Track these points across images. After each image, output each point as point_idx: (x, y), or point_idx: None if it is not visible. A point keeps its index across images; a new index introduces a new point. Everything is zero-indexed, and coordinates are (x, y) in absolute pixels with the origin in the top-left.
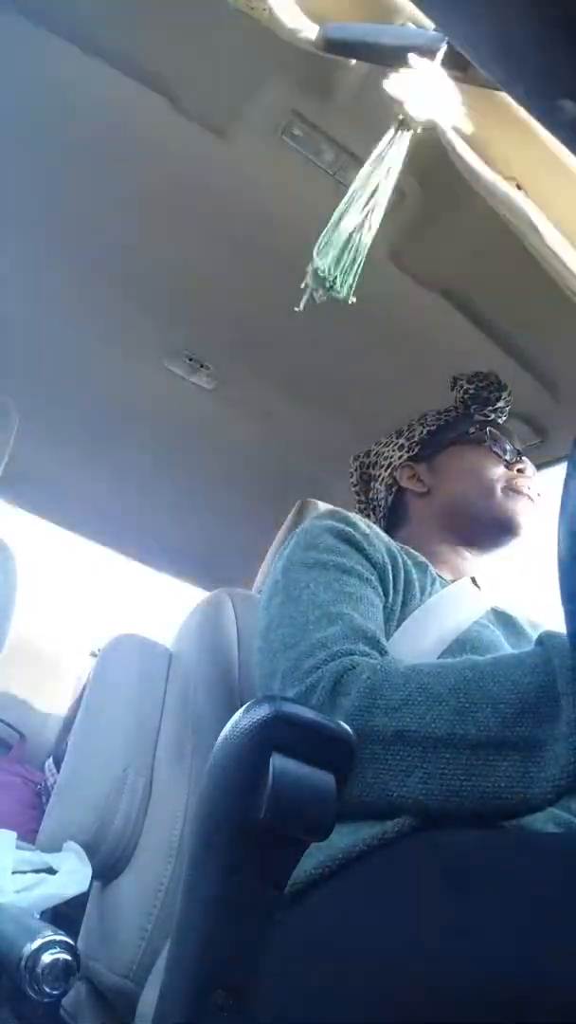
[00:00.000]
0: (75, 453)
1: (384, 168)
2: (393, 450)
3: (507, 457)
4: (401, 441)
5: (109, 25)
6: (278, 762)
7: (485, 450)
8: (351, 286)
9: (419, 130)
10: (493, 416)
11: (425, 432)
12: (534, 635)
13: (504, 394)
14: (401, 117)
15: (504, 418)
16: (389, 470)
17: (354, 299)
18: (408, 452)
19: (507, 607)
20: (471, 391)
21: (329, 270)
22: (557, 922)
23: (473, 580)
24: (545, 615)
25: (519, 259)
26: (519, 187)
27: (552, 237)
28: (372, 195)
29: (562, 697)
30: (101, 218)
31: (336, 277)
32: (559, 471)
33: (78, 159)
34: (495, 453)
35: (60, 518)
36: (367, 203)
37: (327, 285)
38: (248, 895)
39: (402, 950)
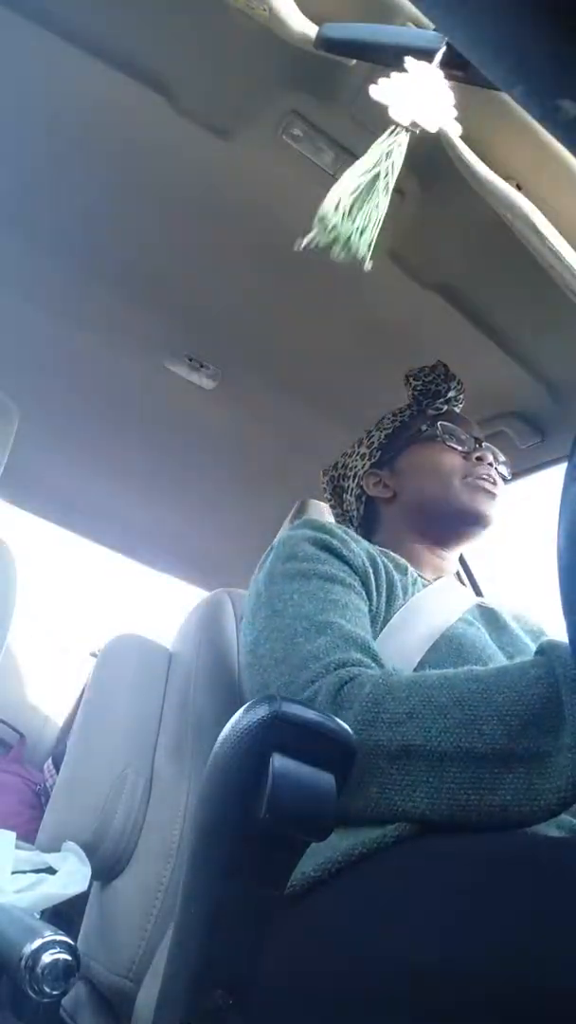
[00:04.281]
0: (75, 453)
1: (387, 158)
2: (356, 460)
3: (464, 448)
4: (363, 450)
5: (109, 25)
6: (278, 762)
7: (440, 445)
8: (370, 244)
9: (416, 131)
10: (446, 408)
11: (383, 437)
12: (517, 629)
13: (453, 383)
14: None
15: (459, 407)
16: (356, 480)
17: (369, 264)
18: (370, 460)
19: (490, 602)
20: (419, 387)
21: (340, 224)
22: (557, 926)
23: (458, 575)
24: (533, 610)
25: (519, 259)
26: (519, 187)
27: (552, 237)
28: (378, 172)
29: (566, 708)
30: (101, 218)
31: (352, 235)
32: (559, 471)
33: (77, 159)
34: (450, 447)
35: (60, 518)
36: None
37: (341, 243)
38: (247, 895)
39: (401, 952)
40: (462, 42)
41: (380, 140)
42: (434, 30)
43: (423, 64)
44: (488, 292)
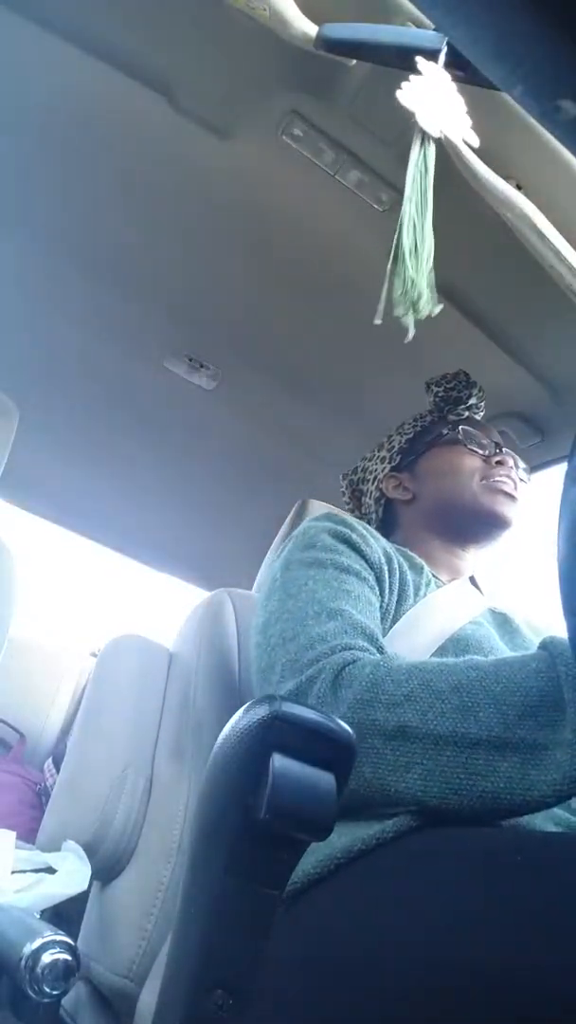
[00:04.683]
0: (75, 453)
1: (423, 183)
2: (376, 463)
3: (484, 452)
4: (383, 453)
5: (109, 25)
6: (278, 762)
7: (461, 448)
8: (431, 295)
9: (441, 139)
10: (467, 414)
11: (404, 441)
12: (529, 634)
13: (474, 391)
14: (420, 129)
15: (480, 414)
16: (375, 483)
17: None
18: (390, 463)
19: (504, 607)
20: (441, 393)
21: (413, 289)
22: (555, 922)
23: (472, 580)
24: (545, 616)
25: (519, 259)
26: (519, 187)
27: (552, 237)
28: (422, 210)
29: (568, 704)
30: (101, 218)
31: (421, 292)
32: (559, 471)
33: (77, 159)
34: (471, 450)
35: (60, 518)
36: (422, 221)
37: (416, 301)
38: (248, 895)
39: (400, 949)
40: (462, 42)
41: (412, 162)
42: (434, 30)
43: (432, 65)
44: (488, 292)
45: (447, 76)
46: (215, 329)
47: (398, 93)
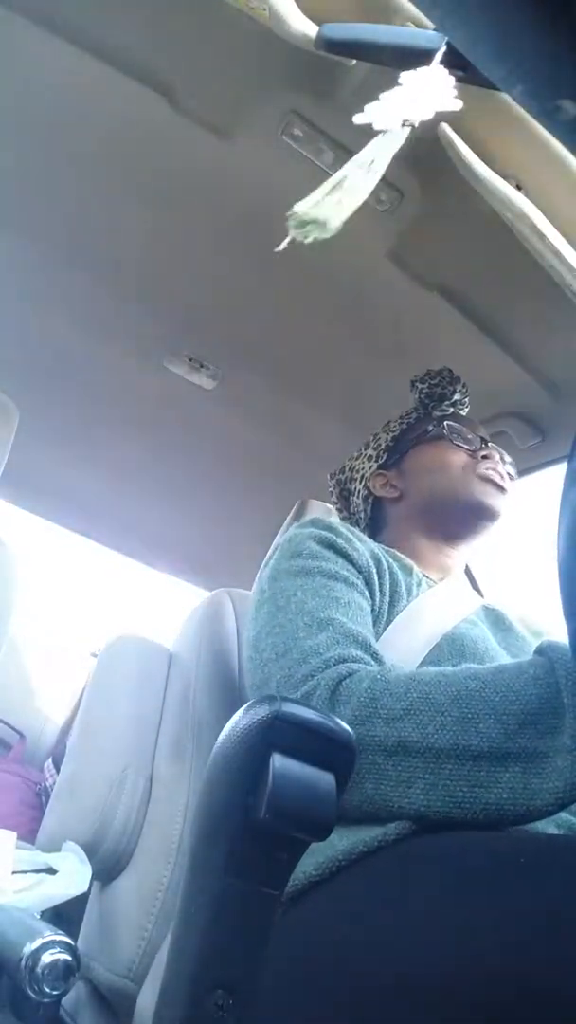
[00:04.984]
0: (75, 453)
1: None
2: (363, 462)
3: (470, 447)
4: (369, 452)
5: (109, 25)
6: (278, 762)
7: (447, 443)
8: (339, 222)
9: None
10: (452, 410)
11: (390, 439)
12: (524, 632)
13: (458, 387)
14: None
15: (465, 410)
16: (363, 482)
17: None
18: (377, 461)
19: (498, 604)
20: (425, 390)
21: (308, 213)
22: (557, 925)
23: (470, 576)
24: (539, 613)
25: (519, 259)
26: (519, 187)
27: (552, 237)
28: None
29: (567, 710)
30: (101, 218)
31: (316, 219)
32: (559, 471)
33: (78, 159)
34: (457, 445)
35: (60, 518)
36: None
37: (306, 224)
38: (247, 895)
39: (401, 951)
40: (462, 42)
41: (377, 138)
42: (434, 30)
43: (420, 71)
44: (488, 292)
45: (429, 70)
46: (215, 329)
47: (355, 117)
